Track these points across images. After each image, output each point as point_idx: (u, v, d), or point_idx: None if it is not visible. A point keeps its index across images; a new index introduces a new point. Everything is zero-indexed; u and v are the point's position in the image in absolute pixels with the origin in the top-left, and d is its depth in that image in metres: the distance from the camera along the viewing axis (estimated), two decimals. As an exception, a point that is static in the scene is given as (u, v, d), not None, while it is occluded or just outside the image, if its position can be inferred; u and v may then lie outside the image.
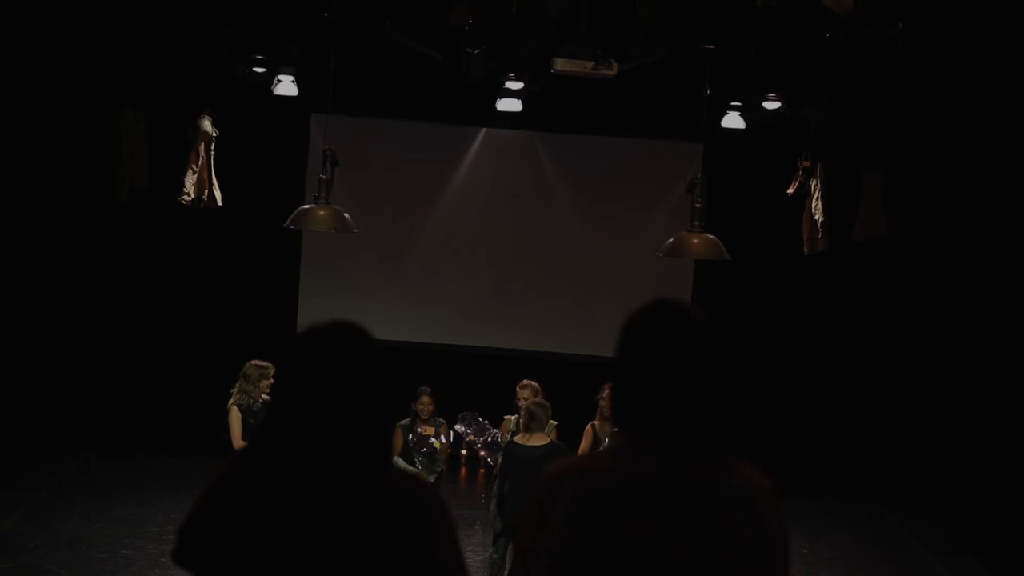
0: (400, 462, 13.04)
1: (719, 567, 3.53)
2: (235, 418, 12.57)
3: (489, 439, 12.92)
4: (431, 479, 13.12)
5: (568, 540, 3.53)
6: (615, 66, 12.65)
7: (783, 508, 3.70)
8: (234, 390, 12.76)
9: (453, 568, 3.68)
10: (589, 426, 13.03)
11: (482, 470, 18.21)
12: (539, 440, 12.11)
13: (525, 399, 13.04)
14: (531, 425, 12.17)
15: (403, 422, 13.13)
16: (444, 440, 13.40)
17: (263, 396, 12.50)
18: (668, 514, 3.55)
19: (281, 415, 3.76)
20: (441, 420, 13.39)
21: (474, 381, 18.08)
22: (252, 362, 12.84)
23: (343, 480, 3.64)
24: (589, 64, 12.45)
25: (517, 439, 12.20)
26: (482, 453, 13.32)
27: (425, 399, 13.33)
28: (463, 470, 19.10)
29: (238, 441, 12.51)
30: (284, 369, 3.85)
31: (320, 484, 3.63)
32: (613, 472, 3.64)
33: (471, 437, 13.03)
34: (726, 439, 3.73)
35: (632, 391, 3.73)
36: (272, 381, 12.45)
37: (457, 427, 13.09)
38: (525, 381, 13.29)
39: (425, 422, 13.26)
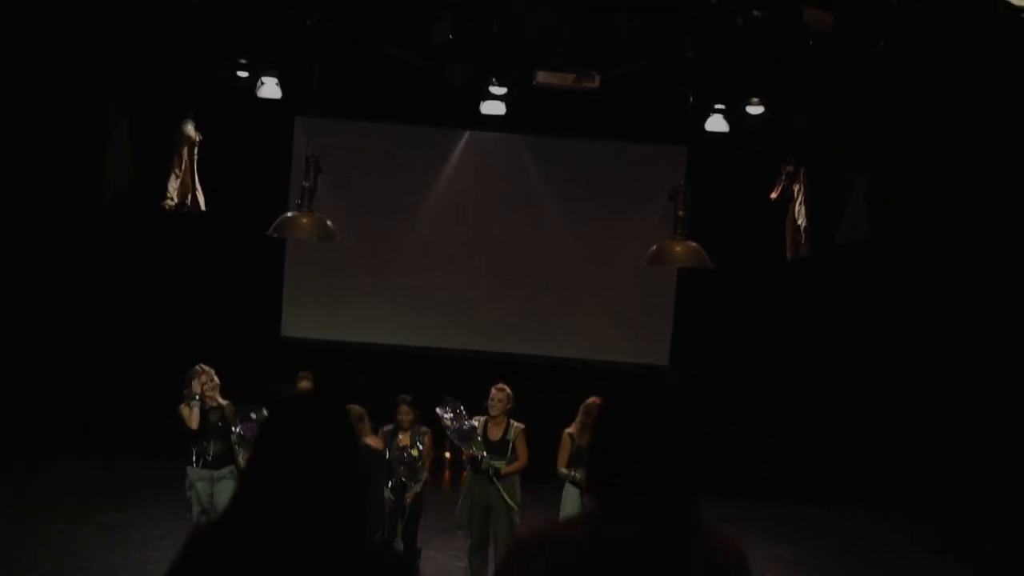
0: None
1: None
2: (183, 411, 12.74)
3: (465, 427, 12.96)
4: (415, 489, 13.20)
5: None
6: (597, 78, 12.68)
7: (752, 573, 3.75)
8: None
9: None
10: (566, 434, 13.09)
11: (464, 472, 18.23)
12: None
13: (500, 401, 13.20)
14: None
15: (387, 428, 13.18)
16: (425, 447, 13.43)
17: (206, 396, 12.68)
18: None
19: (256, 487, 3.76)
20: (425, 429, 13.42)
21: (459, 384, 18.03)
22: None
23: (318, 552, 3.64)
24: (571, 76, 12.49)
25: (369, 440, 12.46)
26: (454, 440, 13.33)
27: (404, 408, 13.37)
28: (447, 473, 19.11)
29: (189, 419, 12.67)
30: (258, 441, 3.85)
31: (296, 556, 3.63)
32: (587, 541, 3.66)
33: (449, 422, 13.06)
34: (698, 506, 3.75)
35: (609, 462, 3.75)
36: (204, 382, 12.69)
37: (438, 411, 13.12)
38: (500, 385, 13.40)
39: (406, 431, 13.29)
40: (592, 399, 12.91)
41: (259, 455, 3.78)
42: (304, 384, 13.74)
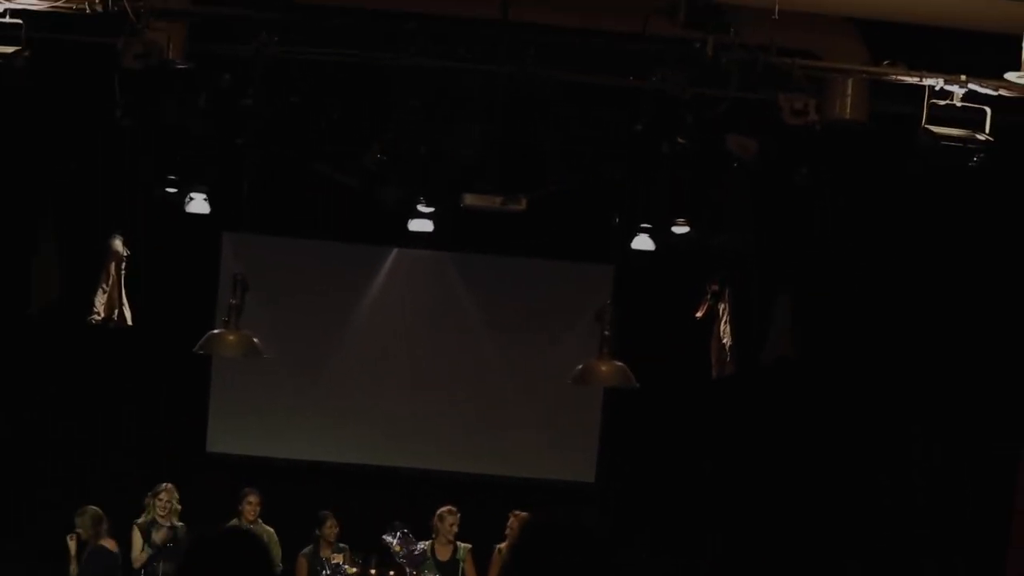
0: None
1: None
2: (134, 536, 12.78)
3: (415, 552, 13.02)
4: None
5: None
6: (524, 201, 12.87)
7: None
8: None
9: None
10: (496, 551, 13.19)
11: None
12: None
13: (454, 525, 13.31)
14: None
15: (305, 551, 13.15)
16: (350, 566, 13.45)
17: (159, 515, 12.71)
18: None
19: None
20: (343, 545, 13.42)
21: (387, 501, 18.01)
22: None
23: None
24: (498, 199, 12.67)
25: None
26: (407, 569, 13.40)
27: (329, 523, 13.37)
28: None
29: (136, 558, 12.68)
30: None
31: None
32: None
33: (397, 548, 13.11)
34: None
35: None
36: (160, 500, 12.74)
37: (385, 537, 13.18)
38: (448, 507, 13.50)
39: (330, 546, 13.28)
40: (518, 513, 13.07)
41: None
42: (251, 500, 13.71)
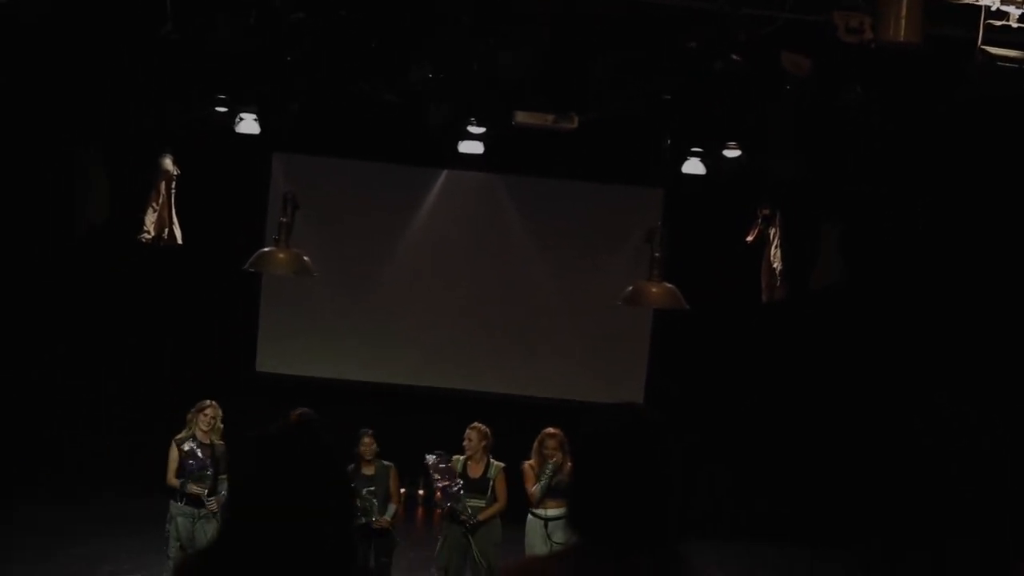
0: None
1: None
2: (171, 453, 12.79)
3: (453, 488, 12.99)
4: (387, 517, 13.17)
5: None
6: (575, 119, 12.77)
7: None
8: None
9: None
10: (527, 465, 13.14)
11: (437, 511, 18.19)
12: None
13: (470, 440, 13.25)
14: None
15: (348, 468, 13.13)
16: (393, 481, 13.42)
17: (200, 431, 12.70)
18: None
19: (242, 518, 3.68)
20: (388, 463, 13.38)
21: (433, 421, 18.02)
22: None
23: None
24: (550, 117, 12.58)
25: None
26: (438, 495, 13.40)
27: (367, 440, 13.32)
28: (420, 510, 19.06)
29: (170, 475, 12.70)
30: (242, 475, 3.78)
31: None
32: None
33: (436, 476, 13.09)
34: (679, 542, 3.76)
35: (590, 498, 3.77)
36: (205, 416, 12.70)
37: (428, 457, 13.14)
38: (475, 424, 13.44)
39: (369, 463, 13.24)
40: (547, 430, 13.04)
41: (244, 485, 3.71)
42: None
